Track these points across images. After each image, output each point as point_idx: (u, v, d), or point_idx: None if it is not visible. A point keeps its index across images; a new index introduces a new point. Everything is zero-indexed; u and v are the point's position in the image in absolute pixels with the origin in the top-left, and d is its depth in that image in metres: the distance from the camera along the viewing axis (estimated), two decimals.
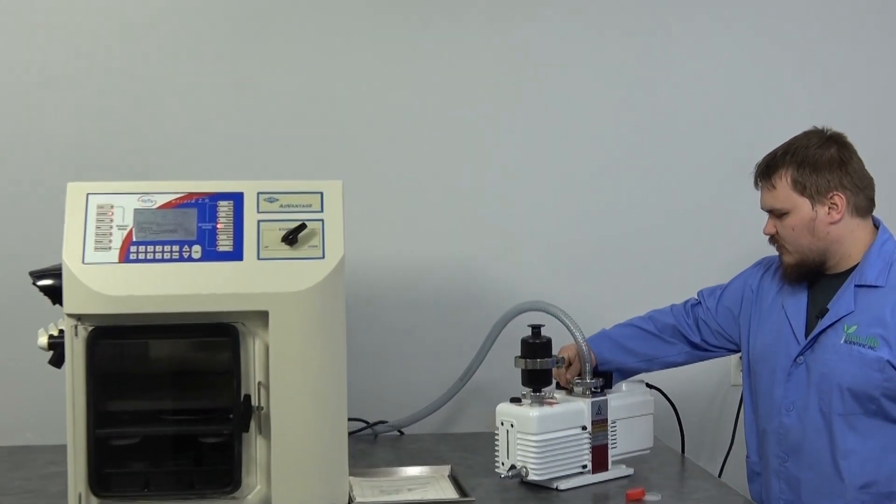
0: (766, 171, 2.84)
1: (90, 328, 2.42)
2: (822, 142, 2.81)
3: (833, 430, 2.74)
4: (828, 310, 2.78)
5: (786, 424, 2.82)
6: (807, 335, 2.80)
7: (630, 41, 3.64)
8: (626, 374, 3.07)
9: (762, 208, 2.88)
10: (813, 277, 2.85)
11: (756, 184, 2.89)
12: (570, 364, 2.92)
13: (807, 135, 2.85)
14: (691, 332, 3.08)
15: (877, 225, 2.84)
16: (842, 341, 2.73)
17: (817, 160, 2.77)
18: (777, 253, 2.92)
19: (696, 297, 3.13)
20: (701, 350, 3.09)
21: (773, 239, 2.87)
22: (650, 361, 3.08)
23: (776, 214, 2.83)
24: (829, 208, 2.76)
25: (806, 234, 2.78)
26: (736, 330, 3.03)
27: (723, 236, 3.64)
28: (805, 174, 2.77)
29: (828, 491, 2.76)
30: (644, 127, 3.64)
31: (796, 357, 2.80)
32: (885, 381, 2.68)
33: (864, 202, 2.81)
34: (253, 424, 2.49)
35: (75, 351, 2.42)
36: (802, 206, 2.77)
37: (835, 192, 2.76)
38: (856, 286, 2.76)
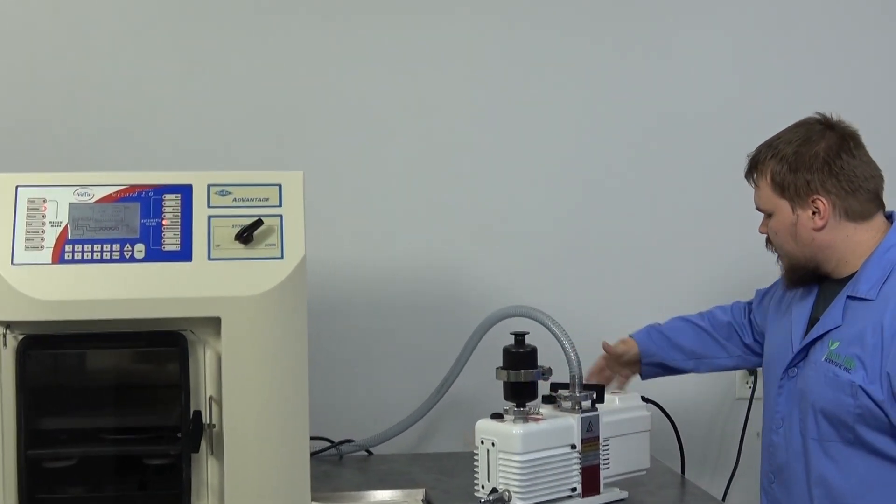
0: (750, 167, 2.76)
1: (20, 337, 2.38)
2: (812, 134, 2.68)
3: (808, 456, 2.66)
4: (818, 320, 2.69)
5: (774, 442, 2.77)
6: None
7: (622, 32, 3.62)
8: (670, 371, 3.09)
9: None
10: (811, 282, 2.75)
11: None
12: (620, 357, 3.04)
13: (798, 126, 2.74)
14: (745, 332, 3.06)
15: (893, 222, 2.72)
16: (823, 358, 2.63)
17: (797, 158, 2.65)
18: None
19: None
20: (753, 354, 3.05)
21: (767, 240, 2.80)
22: (699, 360, 3.08)
23: (767, 216, 2.76)
24: (813, 213, 2.65)
25: (789, 239, 2.69)
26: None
27: (719, 235, 3.63)
28: (783, 173, 2.66)
29: None
30: (635, 123, 3.62)
31: (788, 368, 2.73)
32: (857, 407, 2.55)
33: (859, 205, 2.65)
34: (203, 444, 2.44)
35: (4, 362, 2.38)
36: (783, 208, 2.68)
37: (816, 196, 2.64)
38: (848, 297, 2.64)
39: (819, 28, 3.70)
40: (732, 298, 3.22)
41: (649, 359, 3.06)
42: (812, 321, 2.72)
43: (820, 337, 2.66)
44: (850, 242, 2.66)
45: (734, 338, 3.06)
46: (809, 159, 2.64)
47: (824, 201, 2.63)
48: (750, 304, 3.09)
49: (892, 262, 2.62)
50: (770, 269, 3.22)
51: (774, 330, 2.86)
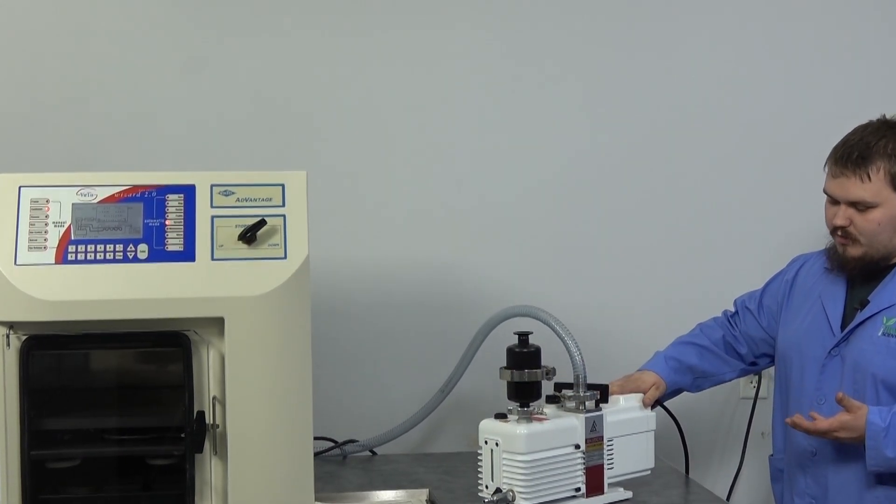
0: (861, 161, 2.88)
1: (24, 337, 2.38)
2: None
3: None
4: (868, 301, 2.90)
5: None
6: (842, 328, 2.93)
7: (624, 31, 3.63)
8: (677, 394, 3.17)
9: (840, 197, 2.90)
10: (868, 272, 2.92)
11: (834, 170, 2.92)
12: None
13: (888, 126, 2.92)
14: (738, 343, 3.20)
15: None
16: (879, 333, 2.86)
17: None
18: (805, 253, 3.13)
19: (733, 308, 3.27)
20: (749, 364, 3.22)
21: (842, 230, 2.92)
22: (704, 379, 3.20)
23: (858, 207, 2.89)
24: None
25: (890, 230, 2.88)
26: (776, 329, 3.14)
27: (721, 234, 3.65)
28: None
29: (856, 487, 2.85)
30: (637, 123, 3.63)
31: (831, 349, 2.93)
32: None
33: None
34: (207, 444, 2.45)
35: (7, 363, 2.38)
36: (893, 201, 2.87)
37: None
38: None
39: (823, 25, 3.69)
40: (733, 295, 3.25)
41: (671, 388, 3.13)
42: (852, 305, 2.94)
43: (870, 317, 2.88)
44: None
45: (731, 351, 3.22)
46: None
47: None
48: (728, 316, 3.26)
49: None
50: (768, 269, 3.24)
51: (798, 317, 3.06)
